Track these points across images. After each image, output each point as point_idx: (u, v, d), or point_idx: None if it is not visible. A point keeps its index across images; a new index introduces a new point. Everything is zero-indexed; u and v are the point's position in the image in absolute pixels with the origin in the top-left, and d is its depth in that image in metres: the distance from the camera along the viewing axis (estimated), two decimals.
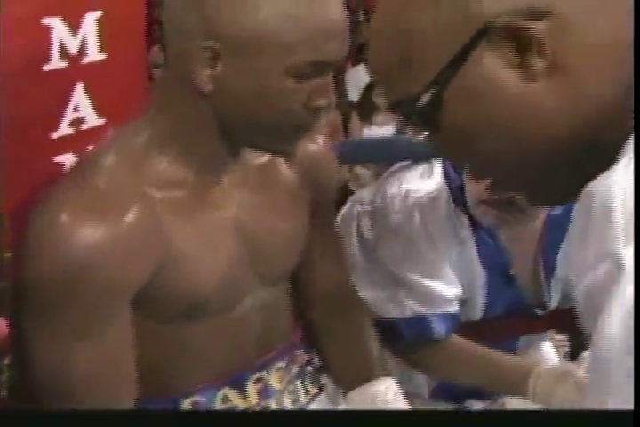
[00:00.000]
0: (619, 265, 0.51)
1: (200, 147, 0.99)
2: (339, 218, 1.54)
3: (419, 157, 1.52)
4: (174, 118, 0.97)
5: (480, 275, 1.49)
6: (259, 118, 0.95)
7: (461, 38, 0.62)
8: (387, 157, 1.79)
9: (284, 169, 1.12)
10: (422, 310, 1.44)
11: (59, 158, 1.12)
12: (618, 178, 0.54)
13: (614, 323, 0.51)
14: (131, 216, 0.93)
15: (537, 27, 0.60)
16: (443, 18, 0.63)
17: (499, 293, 1.52)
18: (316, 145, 1.17)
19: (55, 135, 1.11)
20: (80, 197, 0.92)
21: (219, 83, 0.93)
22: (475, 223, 1.45)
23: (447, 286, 1.45)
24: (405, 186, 1.47)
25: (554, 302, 1.57)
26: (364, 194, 1.58)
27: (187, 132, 0.98)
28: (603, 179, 0.55)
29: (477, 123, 0.64)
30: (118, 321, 0.96)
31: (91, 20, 1.15)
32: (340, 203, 1.52)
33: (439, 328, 1.45)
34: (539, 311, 1.56)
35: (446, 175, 1.47)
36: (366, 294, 1.42)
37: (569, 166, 0.65)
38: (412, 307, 1.44)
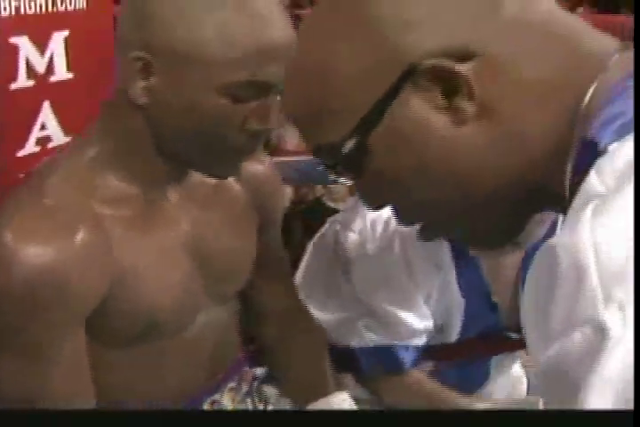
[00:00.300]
0: (601, 331, 0.45)
1: (144, 164, 0.97)
2: (317, 236, 1.54)
3: None
4: (117, 135, 0.96)
5: (459, 302, 1.48)
6: (193, 137, 0.93)
7: (385, 81, 0.58)
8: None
9: (233, 188, 1.11)
10: (386, 340, 1.44)
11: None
12: (585, 234, 0.47)
13: (595, 401, 0.45)
14: (79, 234, 0.91)
15: (464, 68, 0.57)
16: (364, 59, 0.59)
17: (477, 318, 1.52)
18: (261, 166, 1.16)
19: (21, 153, 1.12)
20: (26, 215, 0.91)
21: (153, 95, 0.91)
22: (456, 251, 1.45)
23: (419, 319, 1.45)
24: (386, 212, 1.45)
25: None
26: (345, 215, 1.56)
27: (129, 148, 0.97)
28: (567, 235, 0.49)
29: (405, 168, 0.61)
30: (73, 340, 0.95)
31: (58, 39, 1.16)
32: (305, 217, 1.52)
33: (402, 360, 1.44)
34: (514, 335, 1.57)
35: None
36: (326, 316, 1.41)
37: (505, 209, 0.62)
38: (374, 337, 1.44)
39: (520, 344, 1.61)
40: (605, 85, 0.56)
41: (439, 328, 1.48)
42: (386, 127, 0.59)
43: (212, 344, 1.10)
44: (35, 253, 0.88)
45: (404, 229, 1.43)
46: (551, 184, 0.59)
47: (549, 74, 0.58)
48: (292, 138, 5.31)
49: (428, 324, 1.45)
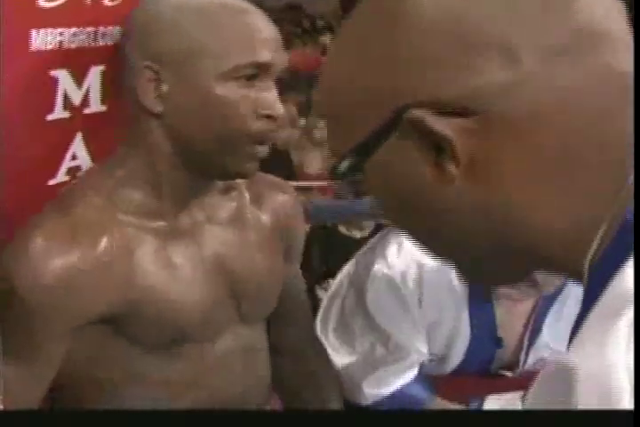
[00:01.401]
0: None
1: (170, 180, 1.02)
2: (340, 275, 1.56)
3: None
4: (141, 153, 1.02)
5: (465, 336, 1.51)
6: (211, 132, 0.98)
7: (376, 121, 0.55)
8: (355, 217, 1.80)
9: (260, 212, 1.15)
10: (391, 370, 1.45)
11: None
12: (620, 357, 0.42)
13: None
14: (102, 244, 0.96)
15: (450, 127, 0.52)
16: (363, 88, 0.56)
17: (478, 352, 1.54)
18: (287, 196, 1.20)
19: (52, 182, 1.15)
20: (55, 223, 0.96)
21: (167, 102, 0.97)
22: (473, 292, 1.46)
23: (422, 347, 1.47)
24: (416, 258, 1.45)
25: (527, 365, 1.59)
26: (368, 255, 1.57)
27: (153, 164, 1.01)
28: (595, 357, 0.43)
29: (393, 205, 0.59)
30: (55, 346, 0.98)
31: (95, 73, 1.20)
32: None
33: (418, 396, 1.46)
34: (509, 373, 1.58)
35: None
36: (339, 358, 1.44)
37: (504, 264, 0.59)
38: (388, 379, 1.45)
39: (514, 384, 1.62)
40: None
41: (439, 358, 1.49)
42: (379, 159, 0.56)
43: (241, 362, 1.12)
44: (54, 257, 0.94)
45: (421, 259, 1.46)
46: (564, 261, 0.54)
47: (572, 137, 0.51)
48: (312, 163, 5.34)
49: (425, 353, 1.47)
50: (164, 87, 0.97)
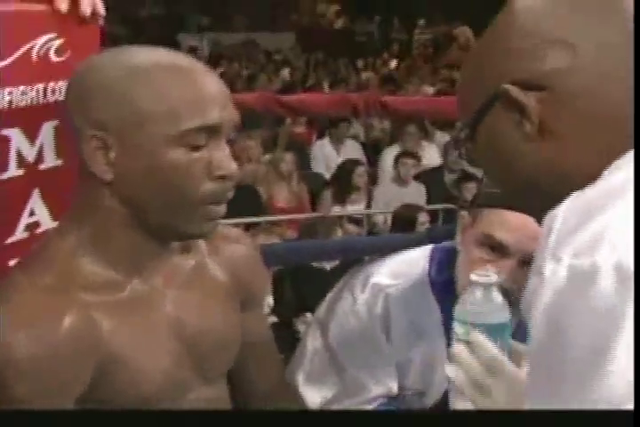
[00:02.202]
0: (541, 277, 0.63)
1: (123, 244, 1.01)
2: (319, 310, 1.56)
3: (353, 255, 1.55)
4: (93, 219, 1.00)
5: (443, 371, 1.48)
6: (163, 197, 0.96)
7: (485, 95, 0.79)
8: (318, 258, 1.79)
9: (214, 269, 1.14)
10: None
11: (13, 262, 1.15)
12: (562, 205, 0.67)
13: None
14: (65, 325, 0.95)
15: (528, 98, 0.75)
16: (479, 74, 0.81)
17: None
18: (241, 246, 1.20)
19: (10, 240, 1.15)
20: (14, 308, 0.94)
21: (117, 168, 0.96)
22: (447, 321, 1.45)
23: (387, 381, 1.46)
24: (382, 292, 1.46)
25: None
26: (350, 282, 1.57)
27: (106, 230, 1.00)
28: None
29: (494, 165, 0.83)
30: None
31: (48, 129, 1.21)
32: None
33: None
34: None
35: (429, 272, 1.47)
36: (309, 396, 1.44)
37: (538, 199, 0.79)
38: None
39: None
40: None
41: (418, 393, 1.48)
42: (484, 128, 0.80)
43: None
44: (24, 344, 0.92)
45: (392, 292, 1.47)
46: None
47: (621, 109, 0.73)
48: (280, 196, 5.36)
49: (392, 387, 1.45)
50: (112, 154, 0.96)
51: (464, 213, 1.42)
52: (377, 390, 1.45)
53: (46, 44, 1.19)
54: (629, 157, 0.70)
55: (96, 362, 0.98)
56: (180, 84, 0.95)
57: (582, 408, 0.52)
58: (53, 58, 1.21)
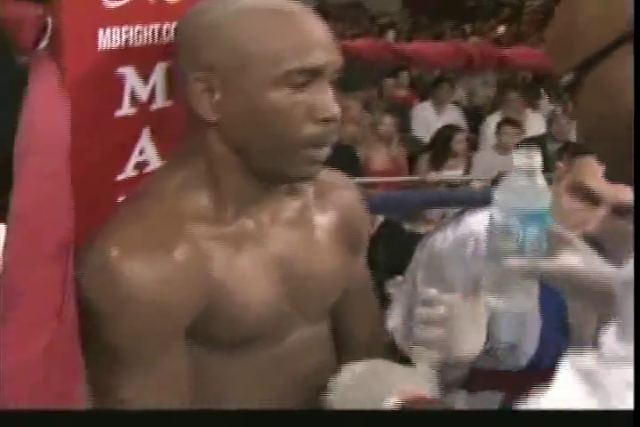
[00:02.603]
0: None
1: (230, 184, 1.03)
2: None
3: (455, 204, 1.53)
4: (199, 159, 1.02)
5: (535, 320, 1.45)
6: (267, 139, 0.98)
7: (608, 37, 0.71)
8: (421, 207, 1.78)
9: (321, 213, 1.15)
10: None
11: (121, 200, 1.18)
12: None
13: None
14: (176, 253, 0.97)
15: None
16: (599, 13, 0.73)
17: (550, 343, 1.50)
18: (348, 192, 1.21)
19: (120, 177, 1.18)
20: (128, 235, 0.97)
21: (222, 110, 0.97)
22: None
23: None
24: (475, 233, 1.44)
25: None
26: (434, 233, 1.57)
27: (214, 168, 1.02)
28: None
29: (603, 115, 0.75)
30: (172, 352, 1.00)
31: (160, 70, 1.22)
32: None
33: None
34: None
35: None
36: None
37: None
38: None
39: None
40: None
41: (512, 346, 1.45)
42: (599, 74, 0.73)
43: (307, 363, 1.13)
44: (138, 271, 0.95)
45: (479, 231, 1.44)
46: None
47: None
48: (378, 158, 5.33)
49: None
50: (217, 96, 0.97)
51: (559, 162, 1.41)
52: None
53: None
54: None
55: (204, 293, 1.00)
56: (284, 26, 0.96)
57: (582, 408, 0.50)
58: (170, 0, 1.22)
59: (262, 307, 1.05)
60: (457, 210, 1.60)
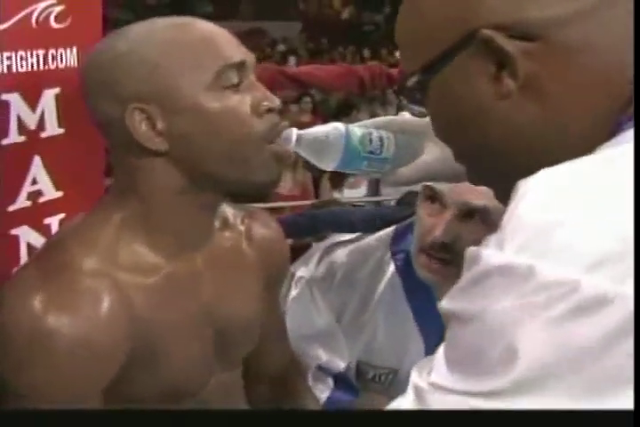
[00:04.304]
0: None
1: (171, 226, 0.99)
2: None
3: (366, 228, 1.52)
4: (142, 196, 0.97)
5: (418, 342, 1.39)
6: (221, 147, 0.95)
7: (454, 36, 0.65)
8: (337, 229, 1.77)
9: (248, 252, 1.13)
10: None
11: (15, 231, 1.14)
12: None
13: None
14: (104, 304, 0.92)
15: (517, 48, 0.62)
16: (445, 10, 0.66)
17: None
18: (271, 230, 1.18)
19: (12, 208, 1.14)
20: (54, 286, 0.92)
21: (169, 136, 0.94)
22: (410, 289, 1.39)
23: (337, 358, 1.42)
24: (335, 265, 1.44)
25: None
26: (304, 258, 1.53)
27: (154, 210, 0.98)
28: None
29: (448, 119, 0.69)
30: (91, 405, 0.94)
31: (49, 96, 1.19)
32: None
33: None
34: None
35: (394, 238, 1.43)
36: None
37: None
38: None
39: None
40: None
41: (393, 372, 1.40)
42: (443, 78, 0.67)
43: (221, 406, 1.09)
44: (64, 325, 0.89)
45: (344, 259, 1.43)
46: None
47: (605, 66, 0.63)
48: (284, 183, 5.35)
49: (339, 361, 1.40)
50: (159, 123, 0.94)
51: None
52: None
53: (46, 9, 1.17)
54: (629, 134, 0.60)
55: (129, 346, 0.95)
56: (194, 35, 0.96)
57: (582, 408, 0.50)
58: (54, 24, 1.19)
59: (185, 359, 1.02)
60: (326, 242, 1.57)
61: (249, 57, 0.98)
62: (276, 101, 0.98)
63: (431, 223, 1.28)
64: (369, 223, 1.59)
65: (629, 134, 0.60)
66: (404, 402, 0.58)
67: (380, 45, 12.17)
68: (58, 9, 1.19)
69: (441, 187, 1.25)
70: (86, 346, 0.90)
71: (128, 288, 0.95)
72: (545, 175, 0.57)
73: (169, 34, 0.96)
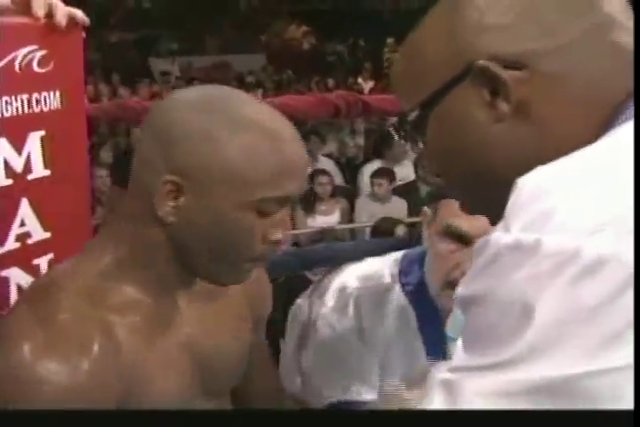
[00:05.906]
0: None
1: (156, 273, 1.00)
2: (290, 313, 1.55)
3: (354, 259, 1.54)
4: (134, 245, 0.99)
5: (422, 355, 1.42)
6: (216, 250, 0.96)
7: (453, 71, 0.72)
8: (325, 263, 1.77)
9: (231, 290, 1.13)
10: None
11: (4, 273, 1.15)
12: None
13: None
14: (94, 349, 0.93)
15: (508, 75, 0.70)
16: (444, 49, 0.73)
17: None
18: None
19: (1, 250, 1.15)
20: (42, 331, 0.92)
21: (181, 214, 0.94)
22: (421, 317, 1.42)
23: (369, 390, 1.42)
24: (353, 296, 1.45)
25: None
26: (313, 288, 1.54)
27: (144, 259, 0.99)
28: None
29: (448, 147, 0.75)
30: None
31: (35, 139, 1.21)
32: None
33: None
34: None
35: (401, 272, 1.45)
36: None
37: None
38: None
39: None
40: None
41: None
42: (443, 109, 0.73)
43: None
44: (53, 371, 0.89)
45: (362, 294, 1.45)
46: None
47: (589, 91, 0.70)
48: None
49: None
50: (182, 200, 0.94)
51: (425, 208, 1.40)
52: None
53: (29, 54, 1.20)
54: (620, 129, 0.67)
55: (119, 385, 0.96)
56: (272, 151, 0.93)
57: (582, 408, 0.52)
58: (37, 69, 1.22)
59: (173, 392, 1.02)
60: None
61: (303, 188, 0.98)
62: (286, 235, 0.98)
63: (456, 259, 1.31)
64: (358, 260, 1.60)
65: (620, 129, 0.66)
66: (434, 397, 0.62)
67: (344, 75, 12.30)
68: (40, 53, 1.21)
69: (463, 225, 1.29)
70: (76, 395, 0.90)
71: (117, 330, 0.96)
72: (540, 169, 0.64)
73: (255, 137, 0.93)
